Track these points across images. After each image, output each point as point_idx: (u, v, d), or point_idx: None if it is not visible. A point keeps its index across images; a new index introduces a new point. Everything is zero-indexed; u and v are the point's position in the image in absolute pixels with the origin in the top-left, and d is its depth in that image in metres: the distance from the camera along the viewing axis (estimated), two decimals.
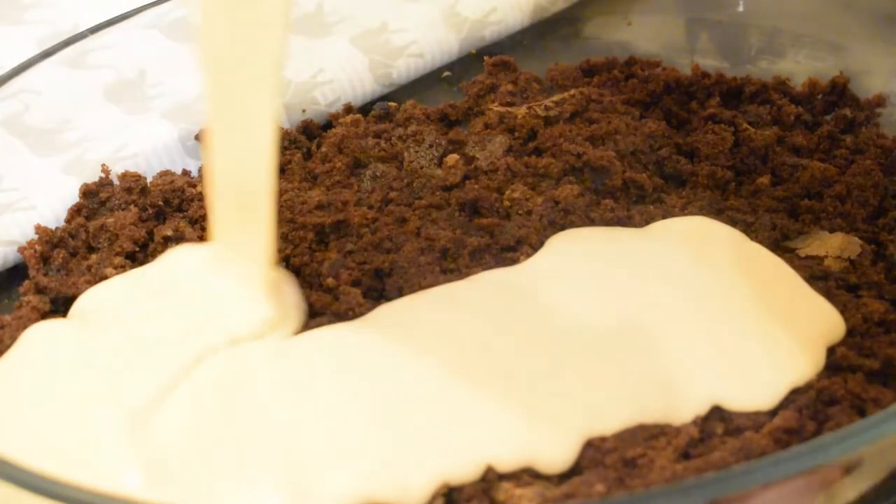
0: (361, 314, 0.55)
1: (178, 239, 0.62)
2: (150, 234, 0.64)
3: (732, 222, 0.60)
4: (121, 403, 0.50)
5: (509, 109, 0.71)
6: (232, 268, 0.55)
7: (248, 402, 0.49)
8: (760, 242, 0.58)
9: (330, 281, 0.58)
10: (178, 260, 0.59)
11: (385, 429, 0.48)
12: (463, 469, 0.47)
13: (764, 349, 0.51)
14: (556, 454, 0.47)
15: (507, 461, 0.47)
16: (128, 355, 0.52)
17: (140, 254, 0.63)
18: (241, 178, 0.53)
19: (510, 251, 0.59)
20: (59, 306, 0.59)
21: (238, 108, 0.51)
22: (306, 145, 0.70)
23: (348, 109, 0.74)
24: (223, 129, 0.52)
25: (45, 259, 0.63)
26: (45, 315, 0.58)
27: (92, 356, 0.52)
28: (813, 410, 0.48)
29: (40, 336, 0.54)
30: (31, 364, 0.53)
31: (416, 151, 0.68)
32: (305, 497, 0.45)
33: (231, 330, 0.53)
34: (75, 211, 0.65)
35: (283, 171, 0.68)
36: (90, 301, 0.57)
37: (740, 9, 0.78)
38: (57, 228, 0.64)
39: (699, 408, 0.49)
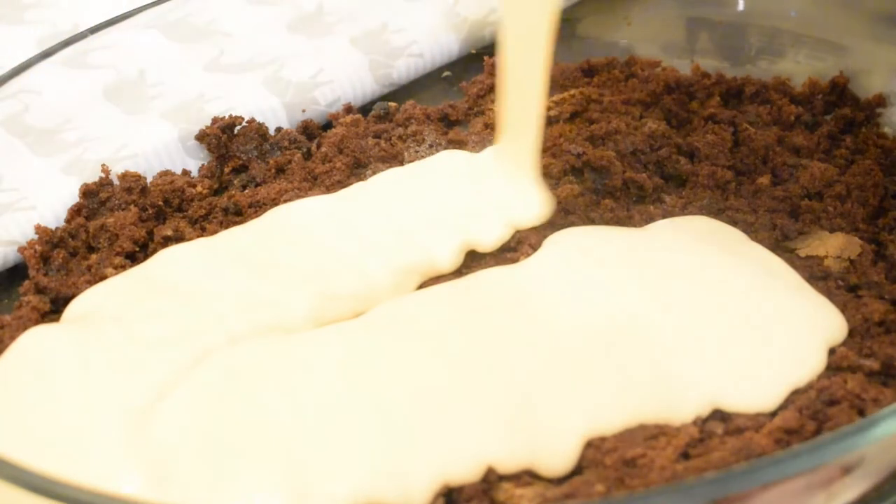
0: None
1: (178, 239, 0.63)
2: (150, 234, 0.64)
3: (732, 222, 0.60)
4: (120, 404, 0.50)
5: None
6: (508, 164, 0.63)
7: (249, 403, 0.49)
8: (760, 242, 0.58)
9: None
10: (172, 259, 0.59)
11: (386, 430, 0.48)
12: (464, 470, 0.47)
13: (765, 350, 0.51)
14: (556, 458, 0.47)
15: (507, 463, 0.47)
16: (126, 355, 0.52)
17: (140, 254, 0.63)
18: (522, 87, 0.61)
19: (510, 251, 0.59)
20: (59, 306, 0.59)
21: (523, 25, 0.61)
22: (306, 145, 0.70)
23: (348, 109, 0.74)
24: (513, 46, 0.61)
25: (45, 259, 0.63)
26: (44, 315, 0.58)
27: (90, 357, 0.52)
28: (813, 410, 0.48)
29: (36, 340, 0.54)
30: (29, 367, 0.52)
31: (416, 151, 0.68)
32: (306, 497, 0.45)
33: (512, 218, 0.61)
34: (75, 211, 0.65)
35: (283, 170, 0.68)
36: (84, 304, 0.57)
37: (740, 9, 0.78)
38: (57, 228, 0.64)
39: (699, 408, 0.49)
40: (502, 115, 0.63)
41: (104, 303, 0.57)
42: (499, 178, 0.63)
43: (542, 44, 0.60)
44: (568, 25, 0.81)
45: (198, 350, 0.52)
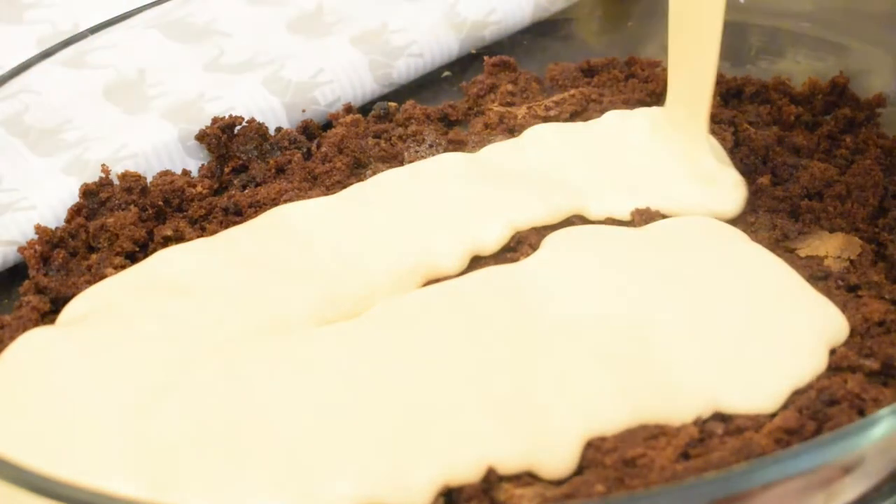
0: None
1: (178, 239, 0.62)
2: (150, 234, 0.64)
3: (732, 222, 0.60)
4: (119, 404, 0.49)
5: (509, 109, 0.71)
6: (679, 129, 0.63)
7: (249, 403, 0.49)
8: (760, 242, 0.58)
9: None
10: (170, 259, 0.59)
11: (386, 430, 0.48)
12: (465, 471, 0.46)
13: (766, 351, 0.51)
14: (557, 461, 0.47)
15: (508, 464, 0.47)
16: (125, 355, 0.52)
17: (140, 254, 0.62)
18: (693, 52, 0.62)
19: (510, 251, 0.59)
20: (59, 306, 0.59)
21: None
22: (306, 145, 0.70)
23: (348, 109, 0.74)
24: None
25: (45, 259, 0.63)
26: (44, 315, 0.58)
27: (87, 358, 0.52)
28: (813, 410, 0.48)
29: (32, 342, 0.54)
30: (25, 369, 0.52)
31: (416, 151, 0.68)
32: (307, 498, 0.45)
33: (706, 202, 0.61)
34: (75, 211, 0.65)
35: (283, 170, 0.68)
36: (81, 305, 0.57)
37: (740, 8, 0.78)
38: (57, 228, 0.64)
39: (700, 410, 0.49)
40: (670, 80, 0.64)
41: (101, 303, 0.56)
42: (674, 153, 0.64)
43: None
44: (568, 25, 0.81)
45: (197, 350, 0.52)
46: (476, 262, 0.59)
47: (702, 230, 0.59)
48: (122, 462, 0.47)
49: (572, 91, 0.72)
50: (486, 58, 0.76)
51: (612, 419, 0.48)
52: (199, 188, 0.67)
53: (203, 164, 0.70)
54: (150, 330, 0.54)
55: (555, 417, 0.48)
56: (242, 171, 0.69)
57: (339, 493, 0.45)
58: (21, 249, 0.63)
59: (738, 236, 0.58)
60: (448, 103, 0.74)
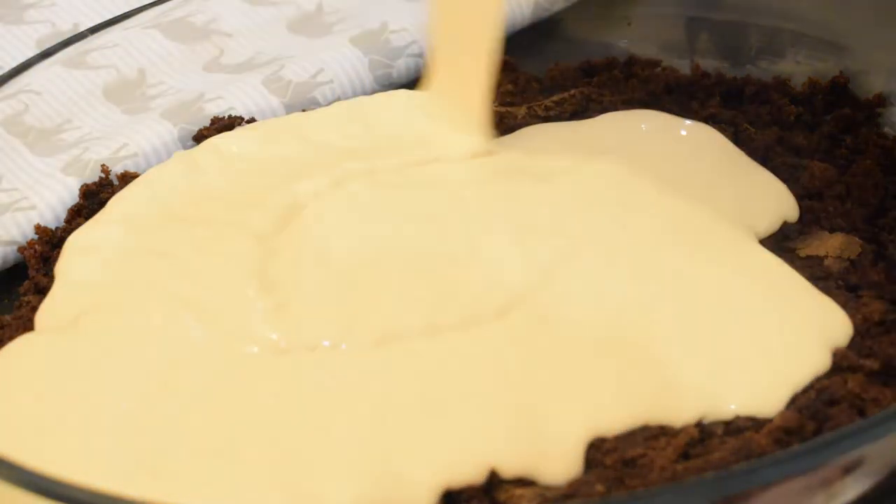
0: None
1: None
2: None
3: None
4: (114, 407, 0.49)
5: (509, 109, 0.71)
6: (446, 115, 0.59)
7: (244, 403, 0.49)
8: (761, 242, 0.58)
9: None
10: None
11: (387, 432, 0.48)
12: (466, 474, 0.46)
13: (767, 353, 0.51)
14: (559, 469, 0.47)
15: (510, 468, 0.47)
16: (117, 356, 0.52)
17: None
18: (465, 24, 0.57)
19: None
20: None
21: None
22: None
23: None
24: None
25: (45, 259, 0.63)
26: None
27: (78, 360, 0.52)
28: (813, 410, 0.48)
29: (21, 349, 0.53)
30: (17, 375, 0.52)
31: None
32: (307, 500, 0.45)
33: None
34: (75, 211, 0.65)
35: None
36: (60, 307, 0.56)
37: (742, 3, 0.78)
38: (57, 228, 0.64)
39: (701, 410, 0.49)
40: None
41: (90, 302, 0.56)
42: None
43: None
44: (568, 25, 0.81)
45: (192, 349, 0.52)
46: None
47: (702, 230, 0.59)
48: (121, 462, 0.47)
49: (572, 91, 0.72)
50: None
51: (614, 422, 0.48)
52: None
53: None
54: (140, 328, 0.53)
55: (557, 423, 0.48)
56: None
57: (340, 494, 0.45)
58: (21, 249, 0.63)
59: (739, 236, 0.58)
60: None
